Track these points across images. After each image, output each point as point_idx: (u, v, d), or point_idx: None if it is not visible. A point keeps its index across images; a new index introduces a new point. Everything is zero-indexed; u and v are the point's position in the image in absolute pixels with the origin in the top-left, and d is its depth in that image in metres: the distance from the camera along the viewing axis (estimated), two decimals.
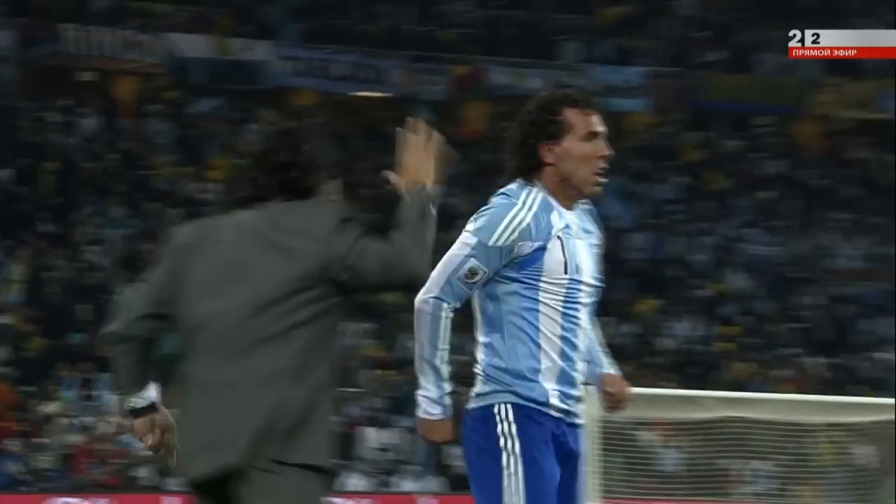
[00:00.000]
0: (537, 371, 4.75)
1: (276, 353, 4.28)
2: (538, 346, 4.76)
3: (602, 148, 4.87)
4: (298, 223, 4.37)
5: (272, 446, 4.25)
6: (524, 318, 4.75)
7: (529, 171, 4.83)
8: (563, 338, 4.80)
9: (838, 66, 34.30)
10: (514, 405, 4.74)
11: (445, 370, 4.74)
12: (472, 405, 4.82)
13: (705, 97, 33.67)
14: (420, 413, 4.77)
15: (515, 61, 32.77)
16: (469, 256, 4.70)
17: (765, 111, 34.12)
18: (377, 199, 30.95)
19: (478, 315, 4.87)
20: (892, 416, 22.09)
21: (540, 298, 4.76)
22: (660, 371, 26.98)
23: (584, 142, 4.84)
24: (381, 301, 28.03)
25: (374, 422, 25.12)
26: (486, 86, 32.66)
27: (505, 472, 4.71)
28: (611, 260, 30.31)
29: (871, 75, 34.26)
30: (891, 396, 25.30)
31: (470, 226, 4.75)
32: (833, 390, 25.32)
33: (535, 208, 4.77)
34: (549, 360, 4.77)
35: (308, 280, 4.31)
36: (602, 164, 4.88)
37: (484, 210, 4.77)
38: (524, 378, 4.74)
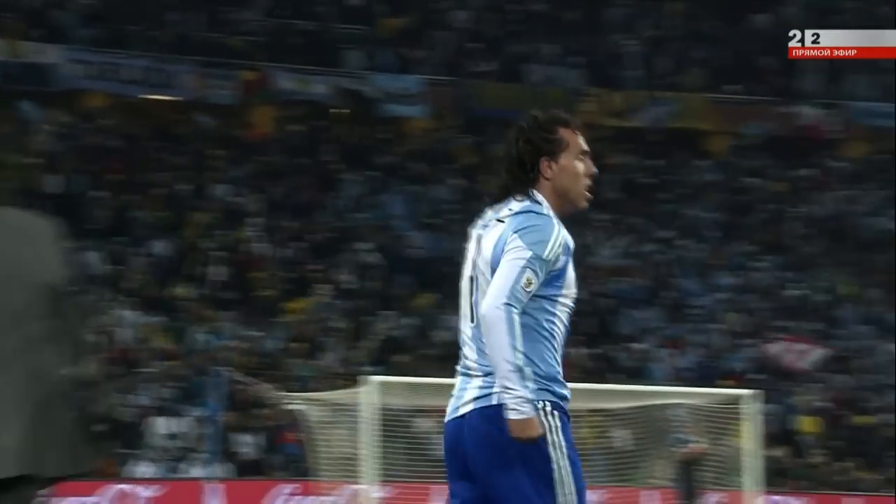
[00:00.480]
0: (559, 374, 4.87)
1: (23, 364, 4.05)
2: (556, 353, 4.86)
3: (591, 166, 5.05)
4: (23, 232, 4.14)
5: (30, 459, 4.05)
6: (546, 329, 4.82)
7: (529, 186, 4.92)
8: (562, 347, 4.93)
9: (599, 78, 34.98)
10: (552, 402, 4.80)
11: (528, 370, 4.70)
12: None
13: (479, 104, 33.99)
14: (513, 415, 4.68)
15: (301, 68, 32.62)
16: (526, 268, 4.73)
17: None
18: (167, 198, 30.47)
19: None
20: (648, 403, 22.64)
21: (557, 311, 4.85)
22: (436, 361, 27.13)
23: (577, 160, 5.00)
24: (170, 294, 27.61)
25: (163, 411, 24.75)
26: (273, 91, 32.43)
27: (556, 465, 4.75)
28: (392, 257, 30.41)
29: (629, 86, 35.01)
30: (647, 384, 25.92)
31: (519, 241, 4.77)
32: (594, 378, 25.77)
33: (560, 223, 4.90)
34: (560, 366, 4.90)
35: (40, 292, 4.10)
36: (590, 182, 5.04)
37: (527, 225, 4.81)
38: (555, 380, 4.84)
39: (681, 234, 33.38)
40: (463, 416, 4.81)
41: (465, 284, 4.92)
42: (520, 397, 4.66)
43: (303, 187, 31.47)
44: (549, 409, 4.76)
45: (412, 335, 28.25)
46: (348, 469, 19.78)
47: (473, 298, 4.88)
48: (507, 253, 4.76)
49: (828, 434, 28.40)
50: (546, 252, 4.76)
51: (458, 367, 4.93)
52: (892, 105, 35.68)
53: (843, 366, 30.38)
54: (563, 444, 4.77)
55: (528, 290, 4.72)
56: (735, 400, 21.55)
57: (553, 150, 4.96)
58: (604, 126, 34.70)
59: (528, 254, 4.74)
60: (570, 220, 4.72)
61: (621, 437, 24.13)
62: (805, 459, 27.71)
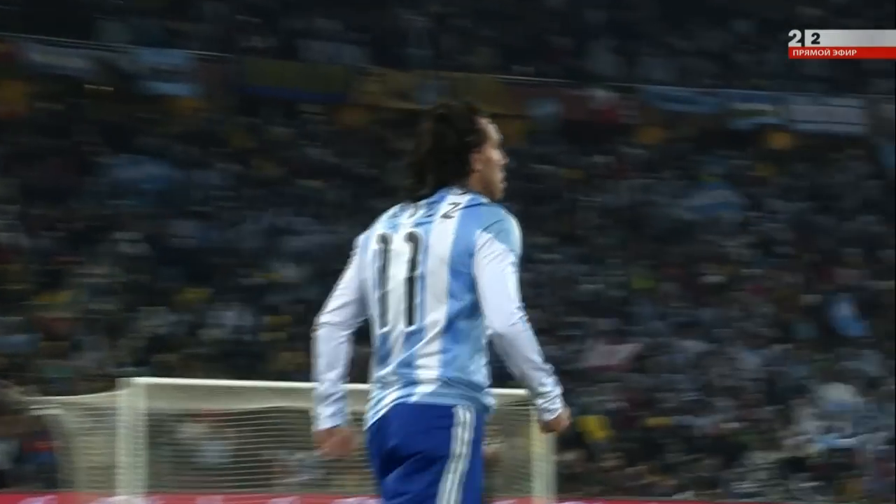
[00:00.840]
0: (488, 383, 5.06)
1: None
2: (486, 361, 5.06)
3: (504, 155, 5.25)
4: None
5: None
6: (482, 335, 5.01)
7: (465, 178, 5.09)
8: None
9: (382, 56, 35.06)
10: (476, 413, 5.00)
11: (549, 366, 4.97)
12: (429, 401, 4.95)
13: (253, 83, 33.75)
14: (547, 416, 5.02)
15: (54, 40, 31.94)
16: (515, 272, 4.97)
17: (312, 98, 34.50)
18: None
19: (441, 325, 4.97)
20: None
21: None
22: (207, 361, 26.89)
23: (495, 149, 5.20)
24: None
25: None
26: (23, 64, 31.70)
27: (450, 476, 4.93)
28: (157, 248, 29.97)
29: (414, 66, 35.16)
30: None
31: (497, 244, 4.95)
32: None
33: None
34: (488, 375, 5.09)
35: None
36: (504, 172, 5.25)
37: (493, 222, 4.98)
38: (483, 390, 5.03)
39: None
40: (384, 415, 5.02)
41: (397, 286, 5.01)
42: (556, 395, 4.98)
43: (58, 171, 30.84)
44: (469, 420, 4.96)
45: (179, 333, 27.92)
46: (108, 479, 19.48)
47: (418, 300, 4.98)
48: (490, 259, 4.93)
49: (621, 437, 28.97)
50: (520, 249, 5.02)
51: (375, 376, 5.08)
52: (688, 89, 36.60)
53: (639, 364, 31.04)
54: (467, 460, 4.95)
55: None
56: (525, 401, 21.80)
57: (479, 140, 5.15)
58: (387, 108, 34.80)
59: (511, 257, 4.95)
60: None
61: None
62: (597, 464, 28.23)
